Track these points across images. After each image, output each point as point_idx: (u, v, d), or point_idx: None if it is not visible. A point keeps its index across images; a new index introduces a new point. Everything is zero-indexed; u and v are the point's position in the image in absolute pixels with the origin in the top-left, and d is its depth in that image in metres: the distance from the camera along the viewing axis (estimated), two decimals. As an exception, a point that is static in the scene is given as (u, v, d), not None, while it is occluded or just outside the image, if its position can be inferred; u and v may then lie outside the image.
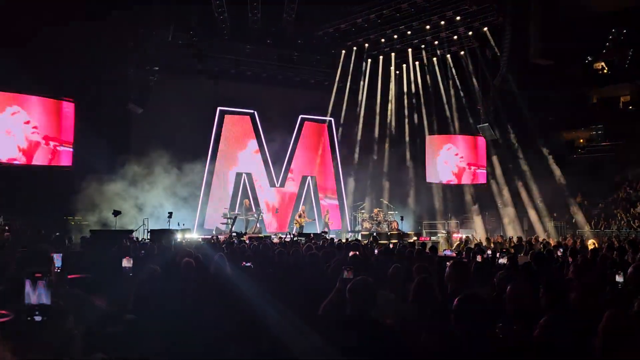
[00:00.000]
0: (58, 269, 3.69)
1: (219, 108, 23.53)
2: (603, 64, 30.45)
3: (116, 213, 17.42)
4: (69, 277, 4.71)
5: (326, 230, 22.15)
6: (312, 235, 18.18)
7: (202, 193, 22.73)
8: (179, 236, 17.74)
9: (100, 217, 18.64)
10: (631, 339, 2.45)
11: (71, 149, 18.83)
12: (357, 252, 7.06)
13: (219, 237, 18.96)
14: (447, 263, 4.87)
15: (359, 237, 20.76)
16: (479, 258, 7.55)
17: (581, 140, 31.28)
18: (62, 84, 18.30)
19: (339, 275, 4.18)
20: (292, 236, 19.32)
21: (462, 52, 24.55)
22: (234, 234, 19.30)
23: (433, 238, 22.29)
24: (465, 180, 24.44)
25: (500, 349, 2.83)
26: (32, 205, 16.99)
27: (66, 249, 11.23)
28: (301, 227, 22.13)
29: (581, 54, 29.81)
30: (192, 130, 22.17)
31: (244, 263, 6.62)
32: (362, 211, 24.22)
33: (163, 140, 20.01)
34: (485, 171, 24.50)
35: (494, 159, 24.53)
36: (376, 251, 10.60)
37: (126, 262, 3.56)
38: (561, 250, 10.97)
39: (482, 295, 3.49)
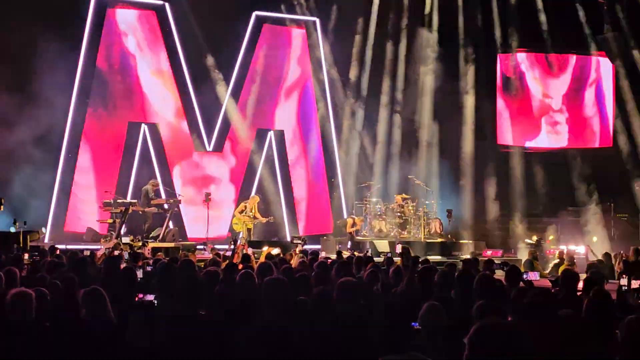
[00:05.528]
0: None
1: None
2: None
3: None
4: None
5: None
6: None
7: (60, 165, 14.11)
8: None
9: None
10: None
11: None
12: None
13: (94, 248, 11.75)
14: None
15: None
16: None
17: None
18: None
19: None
20: (234, 247, 10.89)
21: None
22: (124, 243, 12.64)
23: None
24: (573, 142, 16.89)
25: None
26: None
27: None
28: (249, 230, 14.77)
29: None
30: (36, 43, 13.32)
31: (141, 296, 4.98)
32: (373, 199, 15.39)
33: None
34: (611, 123, 16.69)
35: (627, 97, 15.73)
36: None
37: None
38: None
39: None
